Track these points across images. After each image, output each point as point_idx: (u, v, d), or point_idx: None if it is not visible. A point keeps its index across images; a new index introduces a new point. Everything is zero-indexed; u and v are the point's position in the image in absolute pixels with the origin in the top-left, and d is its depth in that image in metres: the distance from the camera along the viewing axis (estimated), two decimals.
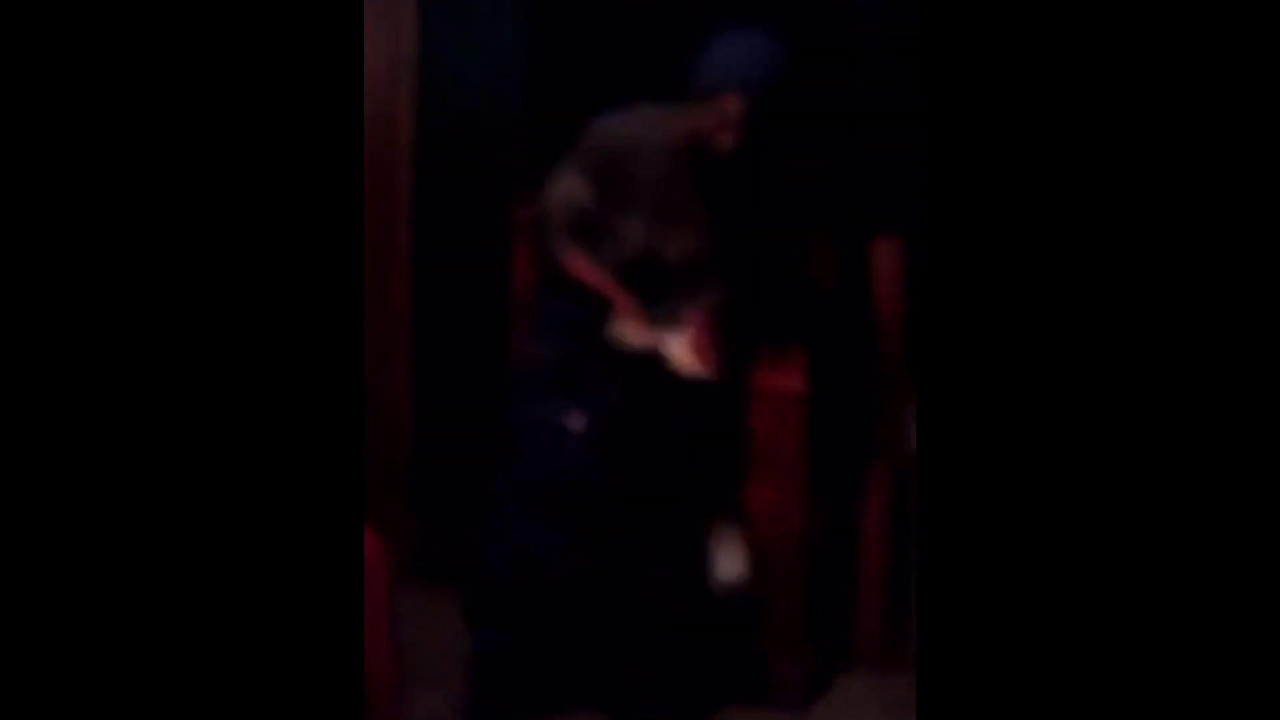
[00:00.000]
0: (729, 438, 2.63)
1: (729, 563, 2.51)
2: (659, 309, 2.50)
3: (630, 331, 2.46)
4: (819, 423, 2.76)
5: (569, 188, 2.49)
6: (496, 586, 2.49)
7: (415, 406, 3.13)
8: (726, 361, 2.54)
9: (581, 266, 2.47)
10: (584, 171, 2.48)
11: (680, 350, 2.47)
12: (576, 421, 2.46)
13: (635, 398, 2.49)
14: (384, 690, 2.09)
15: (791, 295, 2.76)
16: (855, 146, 2.80)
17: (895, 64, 2.71)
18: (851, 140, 2.81)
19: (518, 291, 2.93)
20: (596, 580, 2.49)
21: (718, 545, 2.52)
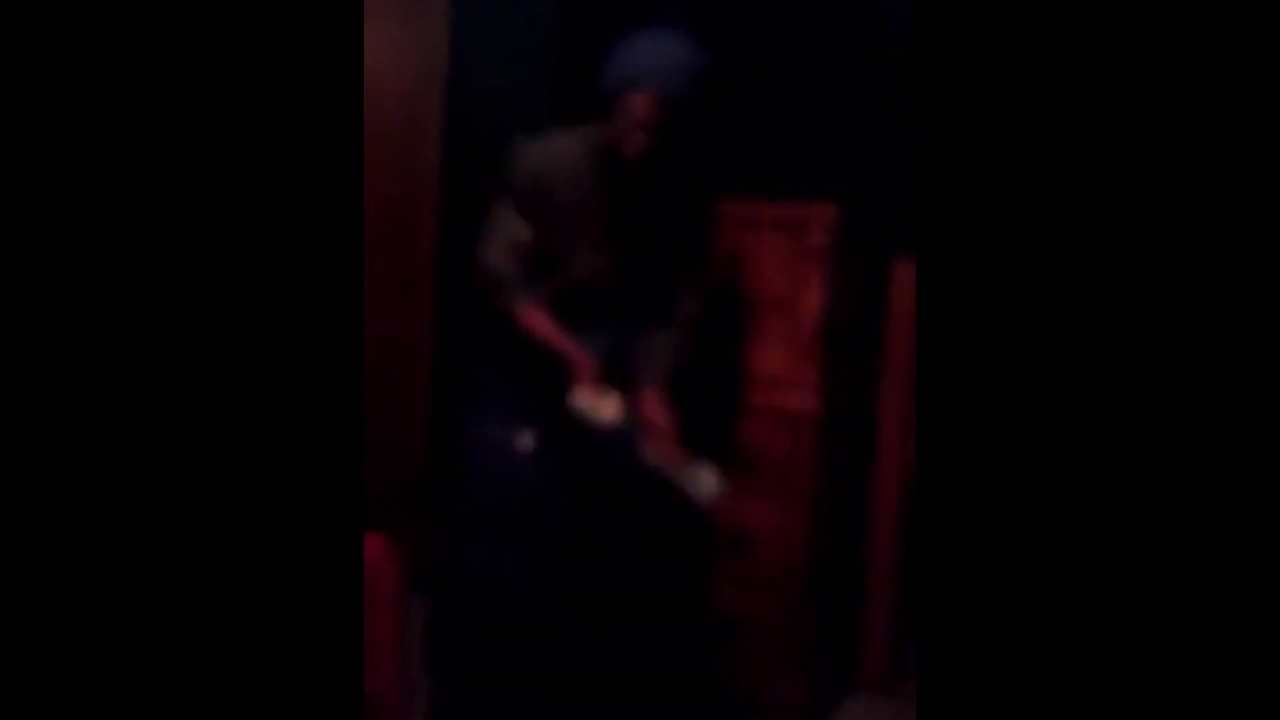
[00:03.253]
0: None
1: (704, 483, 2.39)
2: (612, 348, 2.41)
3: (595, 406, 2.35)
4: (828, 443, 2.76)
5: (506, 229, 2.37)
6: (452, 621, 2.41)
7: (433, 417, 3.13)
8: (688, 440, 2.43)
9: (538, 322, 2.37)
10: (516, 207, 2.36)
11: (655, 442, 2.39)
12: (525, 441, 2.37)
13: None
14: (391, 698, 2.10)
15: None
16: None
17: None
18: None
19: None
20: (554, 613, 2.40)
21: (690, 474, 2.41)
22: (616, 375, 2.40)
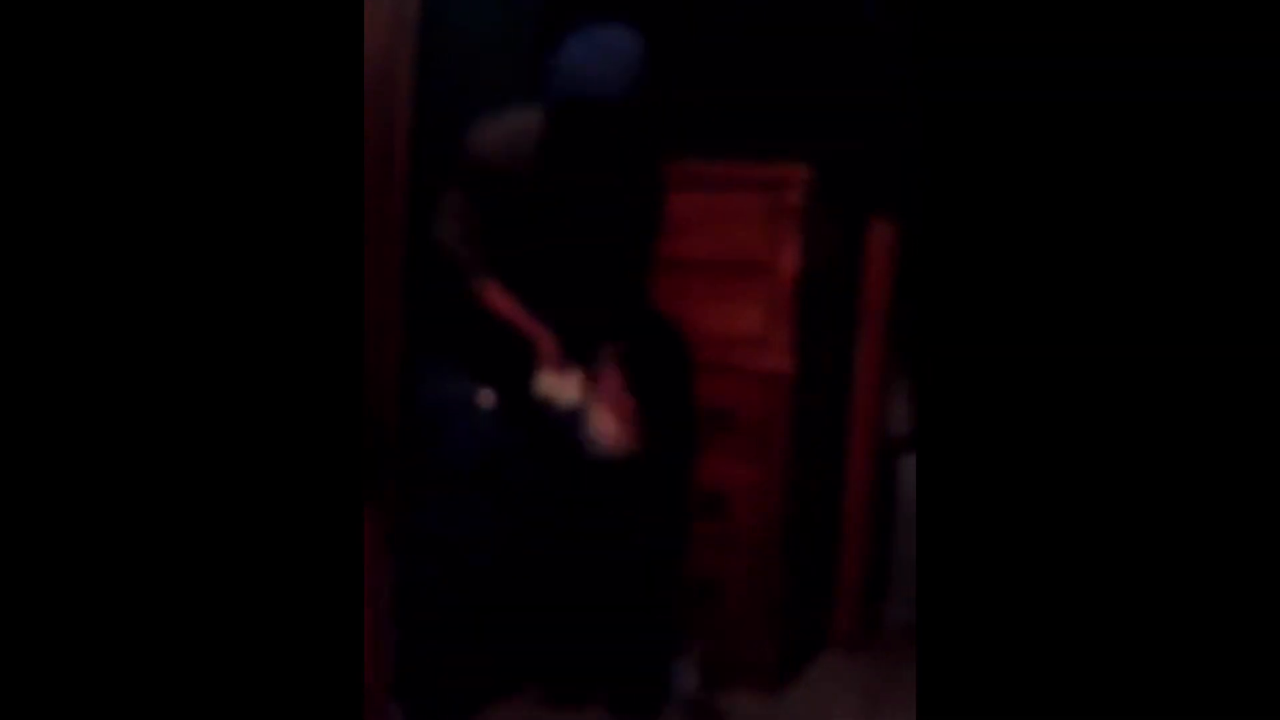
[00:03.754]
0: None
1: (599, 431, 2.42)
2: (573, 346, 2.42)
3: (557, 387, 2.38)
4: (803, 402, 2.76)
5: (458, 210, 2.37)
6: (418, 580, 2.36)
7: (404, 381, 3.11)
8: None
9: (501, 301, 2.38)
10: (468, 188, 2.37)
11: (602, 422, 2.40)
12: (487, 397, 2.37)
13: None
14: (371, 660, 2.08)
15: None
16: None
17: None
18: None
19: None
20: (521, 564, 2.43)
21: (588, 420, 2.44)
22: (576, 354, 2.42)
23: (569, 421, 2.39)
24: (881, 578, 3.19)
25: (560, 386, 2.38)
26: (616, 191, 2.43)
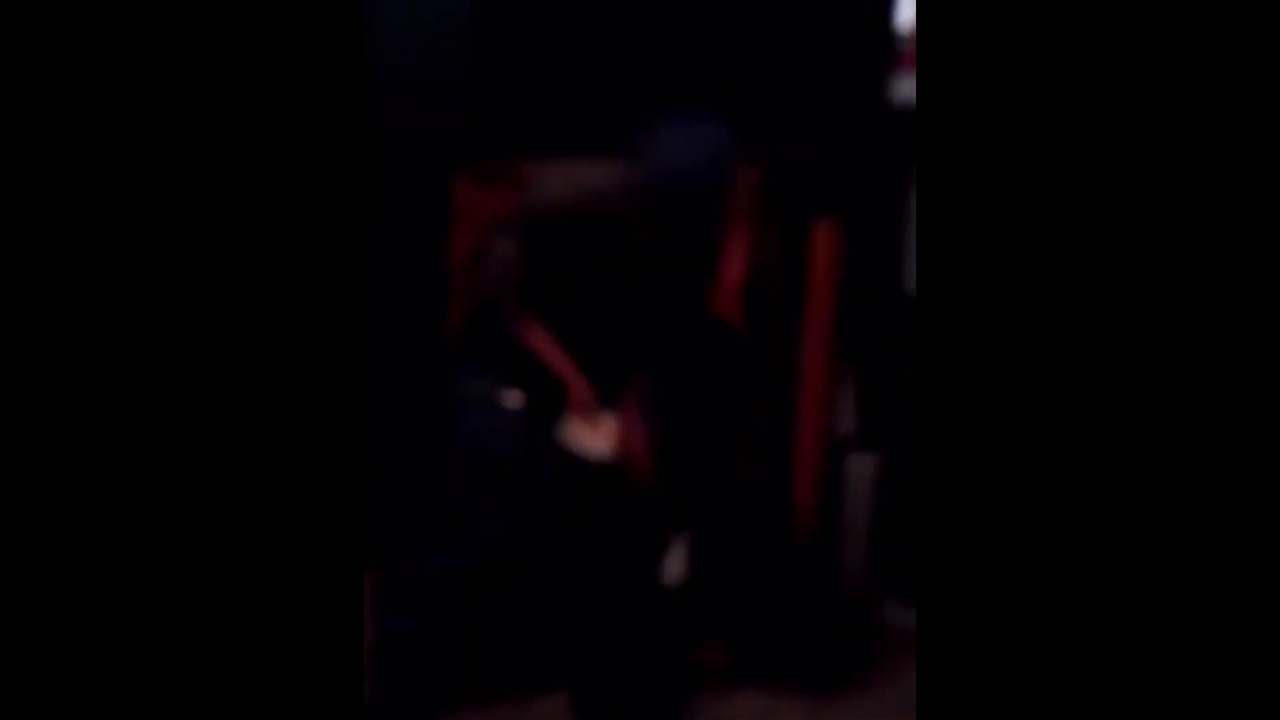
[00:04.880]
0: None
1: (673, 565, 2.50)
2: (612, 385, 2.48)
3: (582, 437, 2.43)
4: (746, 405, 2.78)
5: (509, 251, 2.44)
6: (420, 572, 2.42)
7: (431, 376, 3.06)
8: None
9: (540, 341, 2.44)
10: (522, 232, 2.43)
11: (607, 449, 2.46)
12: (514, 398, 2.41)
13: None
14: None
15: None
16: None
17: None
18: None
19: (455, 264, 2.88)
20: (532, 568, 2.47)
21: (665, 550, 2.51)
22: (613, 392, 2.48)
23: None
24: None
25: (585, 437, 2.42)
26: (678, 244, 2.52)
